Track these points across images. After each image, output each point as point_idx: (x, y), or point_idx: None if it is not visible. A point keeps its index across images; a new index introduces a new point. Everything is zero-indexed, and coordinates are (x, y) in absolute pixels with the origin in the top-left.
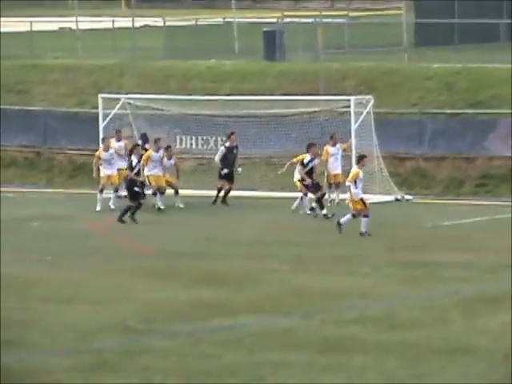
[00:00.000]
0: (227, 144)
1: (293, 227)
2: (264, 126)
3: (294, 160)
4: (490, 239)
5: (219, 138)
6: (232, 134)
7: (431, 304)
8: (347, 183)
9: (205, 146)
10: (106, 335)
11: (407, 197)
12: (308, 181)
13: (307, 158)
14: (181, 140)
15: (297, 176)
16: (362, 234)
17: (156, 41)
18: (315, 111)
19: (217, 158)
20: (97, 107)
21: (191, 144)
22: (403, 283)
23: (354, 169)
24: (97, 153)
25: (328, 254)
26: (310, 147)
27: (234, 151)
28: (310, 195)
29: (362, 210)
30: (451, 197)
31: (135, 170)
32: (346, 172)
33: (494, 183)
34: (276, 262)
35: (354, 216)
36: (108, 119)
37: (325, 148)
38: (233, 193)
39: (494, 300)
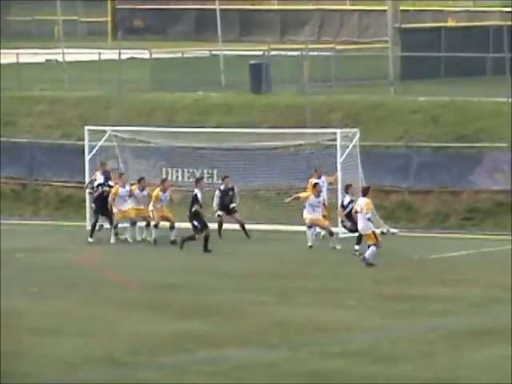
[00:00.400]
0: (222, 187)
1: (280, 259)
2: (250, 159)
3: (301, 195)
4: (477, 273)
5: (205, 171)
6: (226, 177)
7: (417, 337)
8: (367, 216)
9: (191, 179)
10: (92, 367)
11: (393, 230)
12: (349, 224)
13: (347, 199)
14: (167, 172)
15: (306, 214)
16: (369, 264)
17: (142, 73)
18: (301, 144)
19: (214, 204)
20: (83, 139)
21: (177, 176)
22: (389, 316)
23: (365, 200)
24: (113, 189)
25: (315, 287)
26: (347, 188)
27: (230, 193)
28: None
29: (375, 243)
30: (437, 230)
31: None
32: (331, 205)
33: (480, 217)
34: (263, 294)
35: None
36: (94, 151)
37: (310, 181)
38: (211, 225)
39: (481, 333)
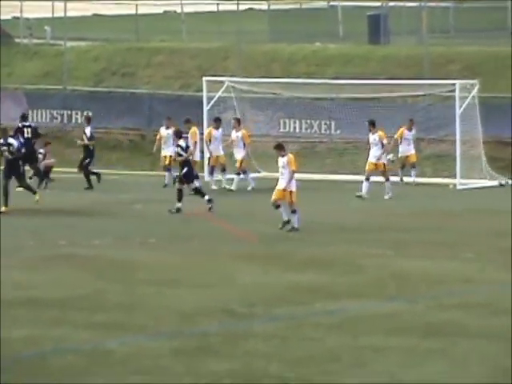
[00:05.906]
0: None
1: (392, 212)
2: (367, 110)
3: None
4: None
5: (323, 122)
6: None
7: None
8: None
9: (308, 130)
10: (209, 319)
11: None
12: None
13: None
14: (284, 123)
15: None
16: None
17: (260, 24)
18: (419, 95)
19: None
20: (201, 90)
21: (294, 128)
22: (508, 269)
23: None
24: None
25: (430, 239)
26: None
27: None
28: None
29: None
30: None
31: None
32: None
33: None
34: (378, 246)
35: None
36: (212, 102)
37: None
38: (327, 177)
39: None
